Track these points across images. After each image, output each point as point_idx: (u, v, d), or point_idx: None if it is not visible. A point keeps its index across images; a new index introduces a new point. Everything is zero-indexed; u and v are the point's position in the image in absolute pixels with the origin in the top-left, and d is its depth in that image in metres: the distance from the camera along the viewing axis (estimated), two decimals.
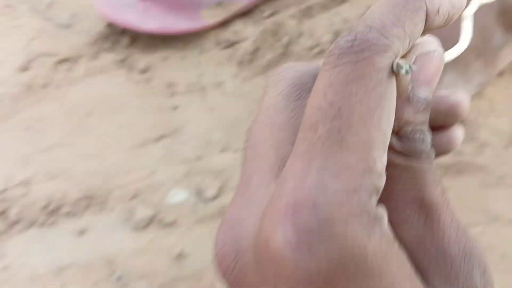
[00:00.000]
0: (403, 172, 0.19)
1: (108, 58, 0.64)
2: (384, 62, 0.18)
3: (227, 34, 0.69)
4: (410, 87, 0.19)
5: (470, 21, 0.27)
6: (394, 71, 0.18)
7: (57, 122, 0.58)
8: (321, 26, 0.69)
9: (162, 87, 0.62)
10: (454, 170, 0.54)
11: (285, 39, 0.67)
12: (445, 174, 0.53)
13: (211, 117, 0.59)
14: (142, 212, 0.50)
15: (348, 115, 0.17)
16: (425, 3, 0.19)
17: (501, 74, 0.63)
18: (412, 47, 0.20)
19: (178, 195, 0.51)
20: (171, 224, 0.49)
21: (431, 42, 0.20)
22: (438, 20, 0.20)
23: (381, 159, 0.17)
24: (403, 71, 0.18)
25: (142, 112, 0.59)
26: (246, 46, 0.66)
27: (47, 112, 0.59)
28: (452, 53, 0.24)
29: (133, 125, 0.58)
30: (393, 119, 0.18)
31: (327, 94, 0.17)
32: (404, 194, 0.19)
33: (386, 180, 0.18)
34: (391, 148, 0.19)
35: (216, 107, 0.60)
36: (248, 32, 0.68)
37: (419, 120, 0.19)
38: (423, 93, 0.19)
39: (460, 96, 0.25)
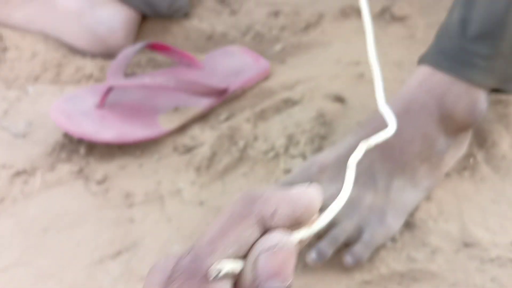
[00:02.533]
0: None
1: (64, 169, 0.64)
2: None
3: (185, 139, 0.70)
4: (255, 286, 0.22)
5: (353, 171, 0.29)
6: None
7: (14, 240, 0.57)
8: (275, 129, 0.72)
9: (120, 198, 0.62)
10: (409, 278, 0.55)
11: (241, 143, 0.69)
12: (400, 283, 0.55)
13: (169, 228, 0.59)
14: None
15: None
16: (257, 209, 0.23)
17: (448, 175, 0.66)
18: (253, 249, 0.23)
19: None
20: None
21: (273, 237, 0.23)
22: (278, 222, 0.23)
23: None
24: (213, 275, 0.21)
25: (99, 226, 0.59)
26: (203, 151, 0.68)
27: (3, 229, 0.58)
28: (335, 208, 0.25)
29: (91, 240, 0.57)
30: None
31: None
32: None
33: None
34: None
35: (174, 218, 0.60)
36: (205, 137, 0.70)
37: None
38: (274, 285, 0.22)
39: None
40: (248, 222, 0.23)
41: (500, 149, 0.70)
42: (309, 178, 0.59)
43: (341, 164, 0.60)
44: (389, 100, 0.63)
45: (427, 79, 0.61)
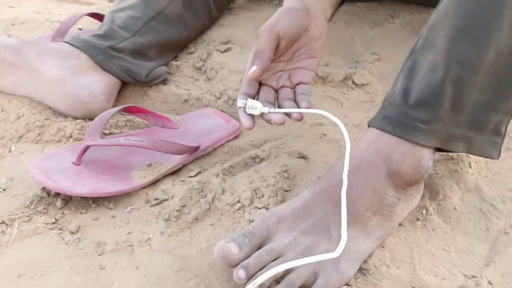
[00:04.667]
0: None
1: (40, 220, 0.68)
2: None
3: (156, 192, 0.75)
4: None
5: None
6: None
7: None
8: (242, 183, 0.77)
9: (92, 247, 0.66)
10: None
11: (209, 196, 0.74)
12: None
13: (136, 275, 0.63)
14: None
15: None
16: None
17: (401, 225, 0.71)
18: None
19: None
20: None
21: None
22: None
23: None
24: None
25: (71, 273, 0.62)
26: (173, 203, 0.72)
27: None
28: None
29: (62, 286, 0.61)
30: None
31: None
32: None
33: None
34: None
35: (142, 265, 0.64)
36: (175, 190, 0.75)
37: None
38: None
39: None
40: None
41: (451, 202, 0.75)
42: (268, 228, 0.64)
43: (297, 216, 0.65)
44: (342, 158, 0.69)
45: (374, 141, 0.67)
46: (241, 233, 0.63)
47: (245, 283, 0.59)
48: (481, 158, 0.82)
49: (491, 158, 0.69)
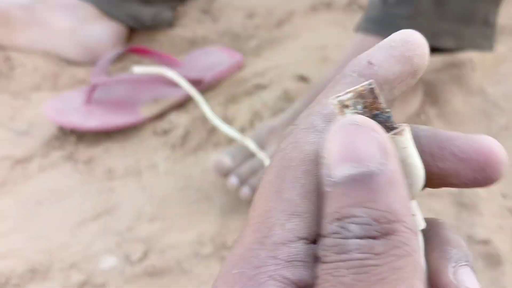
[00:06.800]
0: None
1: (57, 155, 0.74)
2: None
3: (163, 124, 0.79)
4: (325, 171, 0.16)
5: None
6: None
7: (12, 212, 0.67)
8: (244, 109, 0.79)
9: (103, 173, 0.71)
10: None
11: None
12: None
13: (143, 195, 0.67)
14: (77, 278, 0.57)
15: None
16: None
17: None
18: None
19: (108, 261, 0.58)
20: (102, 286, 0.56)
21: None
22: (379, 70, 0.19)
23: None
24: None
25: (84, 197, 0.68)
26: (178, 132, 0.76)
27: (3, 205, 0.68)
28: None
29: (76, 208, 0.66)
30: None
31: None
32: None
33: None
34: None
35: (148, 186, 0.69)
36: (180, 120, 0.79)
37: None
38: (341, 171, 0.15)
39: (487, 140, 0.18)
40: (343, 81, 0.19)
41: (452, 106, 0.75)
42: (260, 139, 0.67)
43: (286, 125, 0.68)
44: (329, 67, 0.70)
45: (358, 43, 0.68)
46: (235, 145, 0.66)
47: (238, 188, 0.63)
48: (485, 61, 0.81)
49: (484, 50, 0.68)
